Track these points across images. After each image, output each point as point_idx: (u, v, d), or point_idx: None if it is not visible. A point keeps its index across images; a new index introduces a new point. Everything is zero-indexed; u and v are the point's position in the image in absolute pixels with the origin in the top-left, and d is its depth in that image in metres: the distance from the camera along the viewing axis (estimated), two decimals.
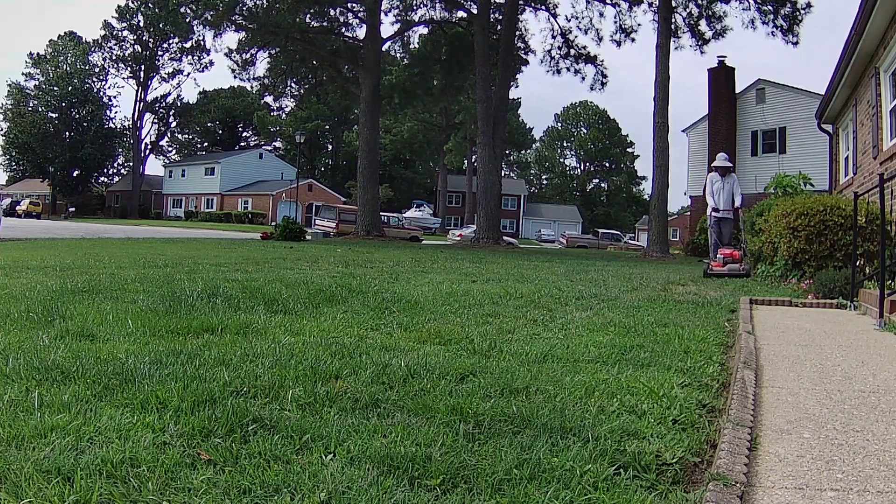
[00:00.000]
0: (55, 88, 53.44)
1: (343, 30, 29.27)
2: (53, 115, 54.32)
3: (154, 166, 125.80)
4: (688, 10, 24.56)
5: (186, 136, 71.06)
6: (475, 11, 26.65)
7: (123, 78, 57.79)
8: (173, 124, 64.14)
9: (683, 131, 27.82)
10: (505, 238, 29.56)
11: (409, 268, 9.05)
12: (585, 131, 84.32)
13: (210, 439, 1.85)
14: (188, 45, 51.14)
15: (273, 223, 33.68)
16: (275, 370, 2.62)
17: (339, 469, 1.67)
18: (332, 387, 2.43)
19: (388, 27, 65.56)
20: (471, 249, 20.30)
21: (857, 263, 6.69)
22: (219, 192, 55.32)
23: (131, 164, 59.30)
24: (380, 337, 3.55)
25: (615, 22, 27.35)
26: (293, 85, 34.63)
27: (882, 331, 4.48)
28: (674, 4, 23.83)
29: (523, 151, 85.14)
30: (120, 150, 60.81)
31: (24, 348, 2.81)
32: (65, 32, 57.94)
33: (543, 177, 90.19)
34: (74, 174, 56.55)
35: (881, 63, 8.27)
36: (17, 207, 45.53)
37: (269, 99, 57.50)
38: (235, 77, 53.67)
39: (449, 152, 64.93)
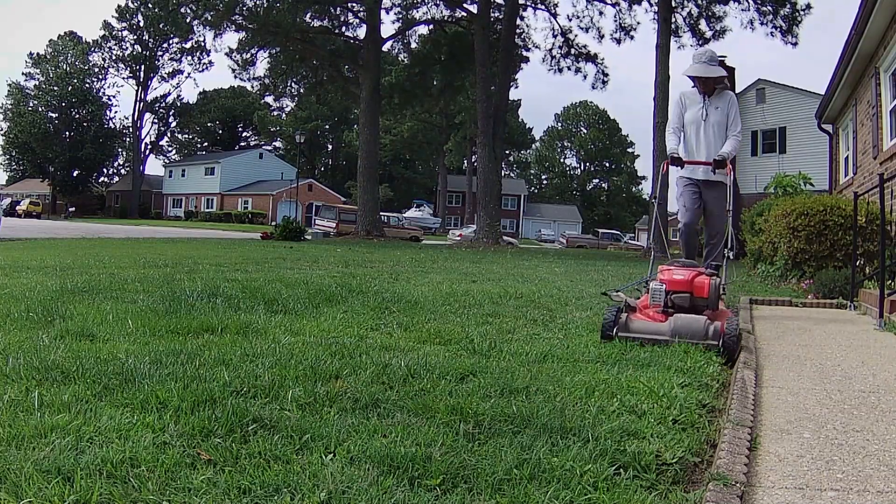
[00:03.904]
0: (55, 88, 53.43)
1: (343, 30, 29.29)
2: (53, 115, 54.32)
3: (154, 166, 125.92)
4: (687, 11, 24.58)
5: (186, 136, 71.06)
6: (475, 11, 26.66)
7: (123, 78, 57.87)
8: (173, 124, 64.17)
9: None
10: (505, 238, 29.57)
11: (409, 268, 9.04)
12: (585, 131, 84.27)
13: (210, 439, 1.85)
14: (188, 45, 51.08)
15: (273, 223, 33.69)
16: (275, 370, 2.62)
17: (339, 469, 1.67)
18: (332, 387, 2.43)
19: (388, 27, 65.63)
20: (471, 249, 20.31)
21: (857, 263, 6.69)
22: (219, 192, 55.33)
23: (131, 164, 59.30)
24: (380, 337, 3.55)
25: (615, 20, 27.35)
26: (293, 85, 34.64)
27: (882, 331, 4.48)
28: (674, 5, 23.84)
29: (523, 151, 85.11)
30: (120, 150, 60.82)
31: (24, 348, 2.81)
32: (65, 32, 58.02)
33: (543, 177, 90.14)
34: (74, 174, 56.55)
35: (881, 63, 8.27)
36: (18, 207, 45.52)
37: (269, 99, 57.56)
38: (235, 77, 53.70)
39: (449, 152, 64.93)
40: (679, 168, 5.03)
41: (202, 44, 44.46)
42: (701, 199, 5.09)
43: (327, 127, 69.49)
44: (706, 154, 4.97)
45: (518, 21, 28.01)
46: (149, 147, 61.15)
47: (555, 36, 29.14)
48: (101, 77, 56.67)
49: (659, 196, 5.30)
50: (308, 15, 27.67)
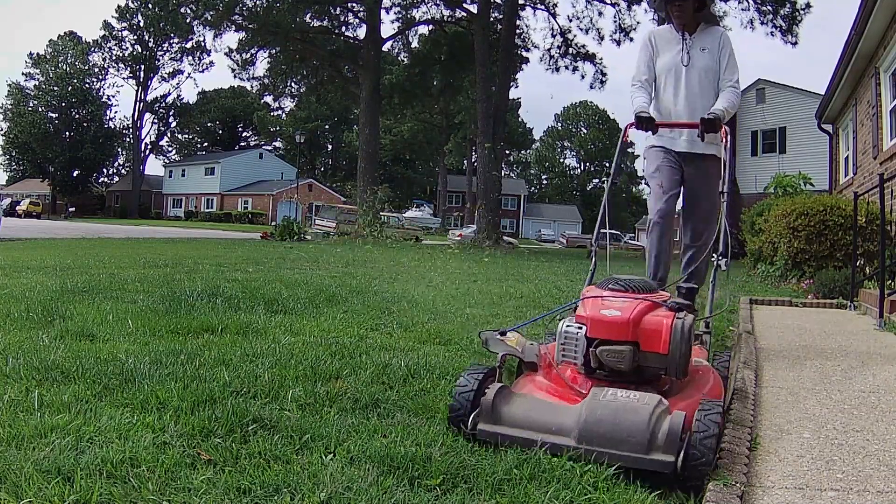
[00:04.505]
0: (55, 88, 53.46)
1: (343, 30, 29.30)
2: (53, 115, 54.34)
3: (154, 166, 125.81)
4: None
5: (186, 136, 71.06)
6: (475, 11, 26.66)
7: (123, 78, 57.91)
8: (173, 124, 64.20)
9: None
10: (505, 238, 29.55)
11: (409, 268, 9.05)
12: (585, 131, 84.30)
13: (210, 439, 1.85)
14: (188, 45, 51.05)
15: (273, 223, 33.68)
16: (275, 370, 2.62)
17: (339, 469, 1.67)
18: (332, 387, 2.43)
19: (388, 27, 65.65)
20: (471, 249, 20.30)
21: (857, 263, 6.69)
22: (219, 192, 55.34)
23: (131, 164, 59.34)
24: (380, 337, 3.55)
25: (615, 21, 27.32)
26: (293, 85, 34.63)
27: (882, 331, 4.48)
28: None
29: (523, 151, 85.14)
30: (120, 150, 60.86)
31: (24, 348, 2.81)
32: (65, 32, 58.04)
33: (543, 177, 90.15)
34: (74, 174, 56.58)
35: (881, 63, 8.28)
36: (18, 207, 45.51)
37: (269, 99, 57.57)
38: (235, 77, 53.64)
39: (449, 152, 64.96)
40: (650, 134, 3.48)
41: (202, 44, 44.47)
42: (683, 181, 3.60)
43: (327, 127, 69.49)
44: (689, 114, 3.48)
45: (518, 21, 28.02)
46: (149, 147, 61.20)
47: (554, 36, 29.15)
48: (100, 77, 56.75)
49: (613, 173, 3.42)
50: (308, 15, 27.67)
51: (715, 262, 2.83)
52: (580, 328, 2.07)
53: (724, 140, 3.24)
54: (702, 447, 1.67)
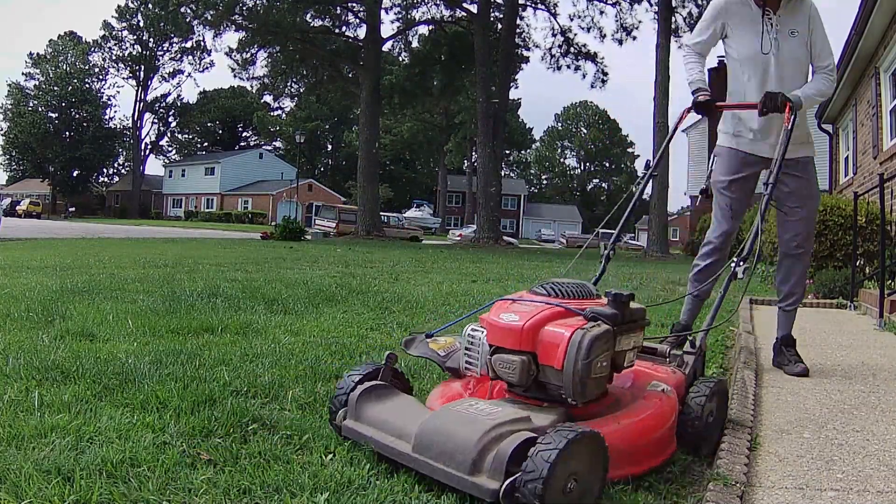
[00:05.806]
0: (55, 88, 53.49)
1: (343, 30, 29.29)
2: (53, 115, 54.37)
3: (154, 166, 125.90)
4: (688, 10, 24.58)
5: (186, 136, 71.05)
6: (475, 11, 26.66)
7: (123, 78, 57.97)
8: (173, 124, 64.25)
9: (683, 131, 27.81)
10: (505, 238, 29.56)
11: (409, 268, 9.05)
12: (585, 131, 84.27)
13: (210, 439, 1.85)
14: (188, 45, 51.14)
15: (273, 223, 33.67)
16: (275, 370, 2.63)
17: (339, 469, 1.67)
18: (332, 387, 2.43)
19: (388, 27, 65.68)
20: (471, 249, 20.30)
21: (857, 263, 6.69)
22: (219, 192, 55.35)
23: (131, 164, 59.36)
24: (380, 337, 3.55)
25: (616, 20, 27.32)
26: (293, 85, 34.64)
27: (882, 331, 4.48)
28: (674, 4, 23.83)
29: (523, 151, 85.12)
30: (120, 150, 60.89)
31: (24, 348, 2.81)
32: (65, 32, 58.08)
33: (543, 177, 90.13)
34: (74, 174, 56.61)
35: (881, 63, 8.28)
36: (18, 207, 45.51)
37: (268, 99, 57.63)
38: (235, 77, 53.79)
39: (449, 152, 64.93)
40: (724, 126, 2.98)
41: (202, 44, 44.52)
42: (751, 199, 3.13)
43: (327, 127, 69.51)
44: (778, 117, 2.82)
45: (518, 21, 28.02)
46: (149, 147, 61.23)
47: (554, 35, 29.14)
48: (100, 77, 56.79)
49: (654, 165, 3.15)
50: (308, 15, 27.67)
51: (732, 268, 2.39)
52: (483, 333, 1.91)
53: (788, 121, 2.65)
54: (526, 490, 1.37)
